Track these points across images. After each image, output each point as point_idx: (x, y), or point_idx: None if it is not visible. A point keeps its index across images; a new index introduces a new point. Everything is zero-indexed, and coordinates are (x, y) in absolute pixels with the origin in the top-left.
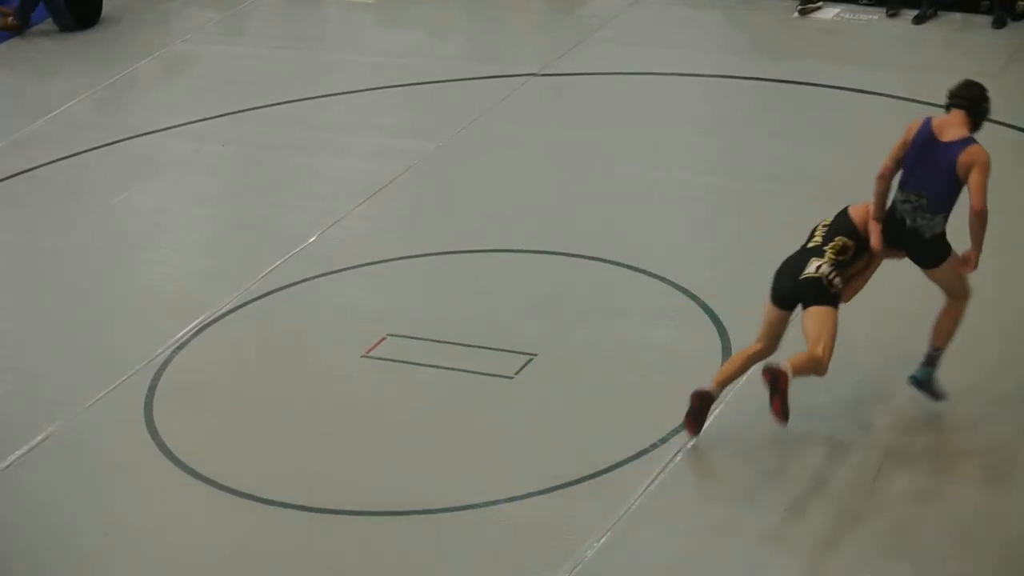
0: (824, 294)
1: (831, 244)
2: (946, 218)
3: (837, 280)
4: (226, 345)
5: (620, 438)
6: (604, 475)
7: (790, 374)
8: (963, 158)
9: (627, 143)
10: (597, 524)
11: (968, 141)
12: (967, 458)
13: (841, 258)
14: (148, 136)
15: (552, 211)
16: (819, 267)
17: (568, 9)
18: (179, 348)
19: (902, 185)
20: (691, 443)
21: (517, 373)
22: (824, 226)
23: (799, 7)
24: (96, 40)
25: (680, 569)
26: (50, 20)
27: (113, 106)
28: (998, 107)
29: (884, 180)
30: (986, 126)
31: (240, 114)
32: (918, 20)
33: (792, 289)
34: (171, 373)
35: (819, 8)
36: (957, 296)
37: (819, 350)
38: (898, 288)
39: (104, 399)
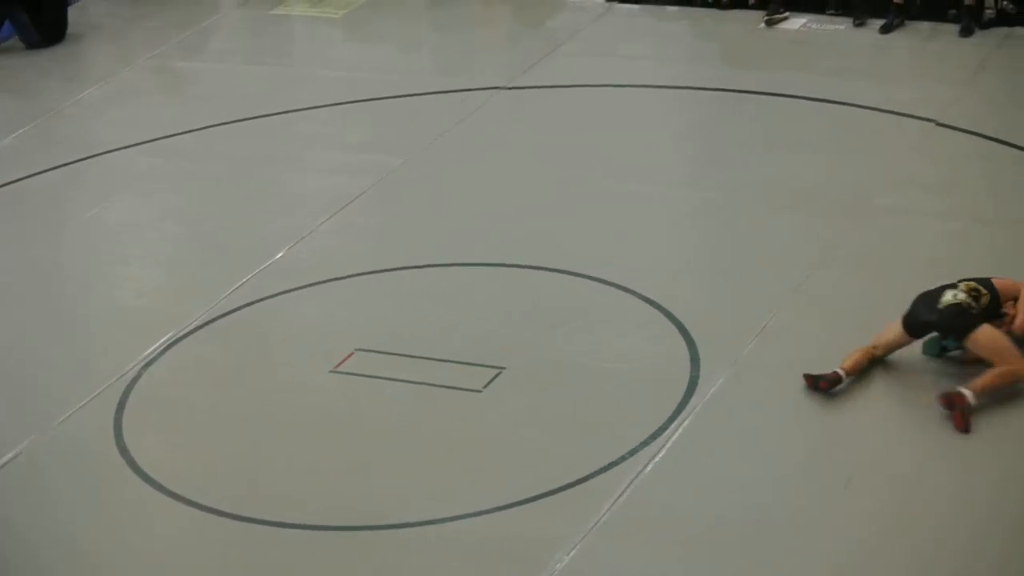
0: (968, 316)
1: (964, 282)
2: None
3: (975, 306)
4: (195, 361)
5: (590, 450)
6: (574, 487)
7: (968, 395)
8: None
9: (595, 155)
10: (568, 537)
11: None
12: None
13: (974, 294)
14: (116, 152)
15: (520, 224)
16: (956, 295)
17: (535, 23)
18: (148, 364)
19: None
20: (661, 454)
21: (486, 387)
22: (961, 279)
23: (766, 18)
24: (62, 57)
25: None
26: (16, 37)
27: (81, 123)
28: (967, 115)
29: None
30: (955, 135)
31: (208, 130)
32: (885, 29)
33: (929, 321)
34: (140, 389)
35: (786, 19)
36: None
37: (1007, 362)
38: None
39: (74, 416)
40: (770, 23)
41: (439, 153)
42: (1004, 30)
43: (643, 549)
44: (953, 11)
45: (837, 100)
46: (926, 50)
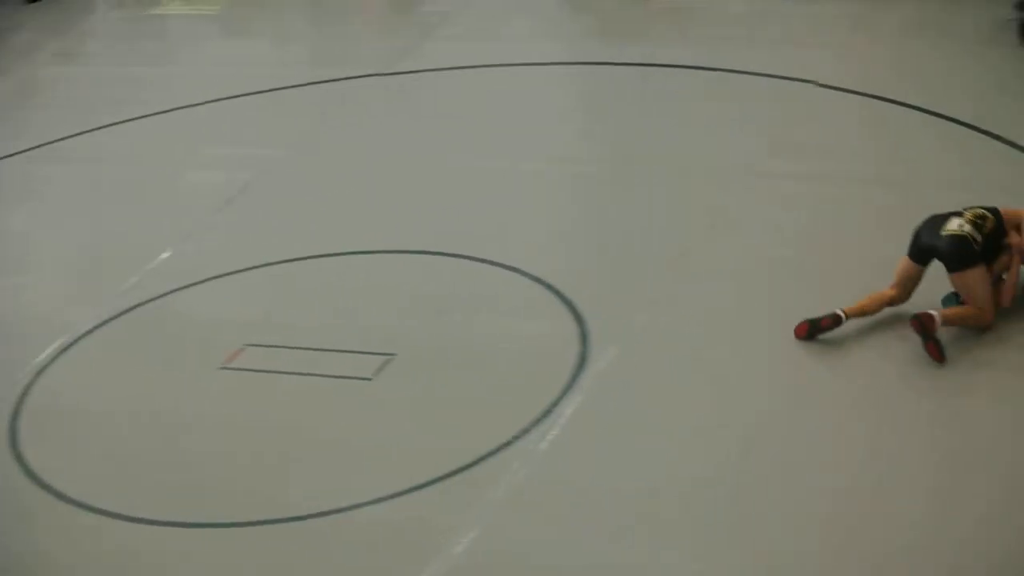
0: (969, 252)
1: (970, 209)
2: None
3: (979, 240)
4: (87, 365)
5: (484, 431)
6: (471, 468)
7: (938, 318)
8: None
9: (476, 137)
10: (466, 518)
11: None
12: None
13: (979, 223)
14: (1, 160)
15: (404, 210)
16: (961, 225)
17: (408, 9)
18: (41, 371)
19: None
20: (554, 433)
21: (376, 374)
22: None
23: None
24: None
25: (551, 558)
26: None
27: None
28: (847, 75)
29: None
30: (835, 95)
31: (89, 133)
32: None
33: (932, 245)
34: (34, 397)
35: None
36: None
37: (977, 304)
38: None
39: None
40: None
41: (320, 143)
42: None
43: (541, 526)
44: None
45: (716, 67)
46: (803, 12)
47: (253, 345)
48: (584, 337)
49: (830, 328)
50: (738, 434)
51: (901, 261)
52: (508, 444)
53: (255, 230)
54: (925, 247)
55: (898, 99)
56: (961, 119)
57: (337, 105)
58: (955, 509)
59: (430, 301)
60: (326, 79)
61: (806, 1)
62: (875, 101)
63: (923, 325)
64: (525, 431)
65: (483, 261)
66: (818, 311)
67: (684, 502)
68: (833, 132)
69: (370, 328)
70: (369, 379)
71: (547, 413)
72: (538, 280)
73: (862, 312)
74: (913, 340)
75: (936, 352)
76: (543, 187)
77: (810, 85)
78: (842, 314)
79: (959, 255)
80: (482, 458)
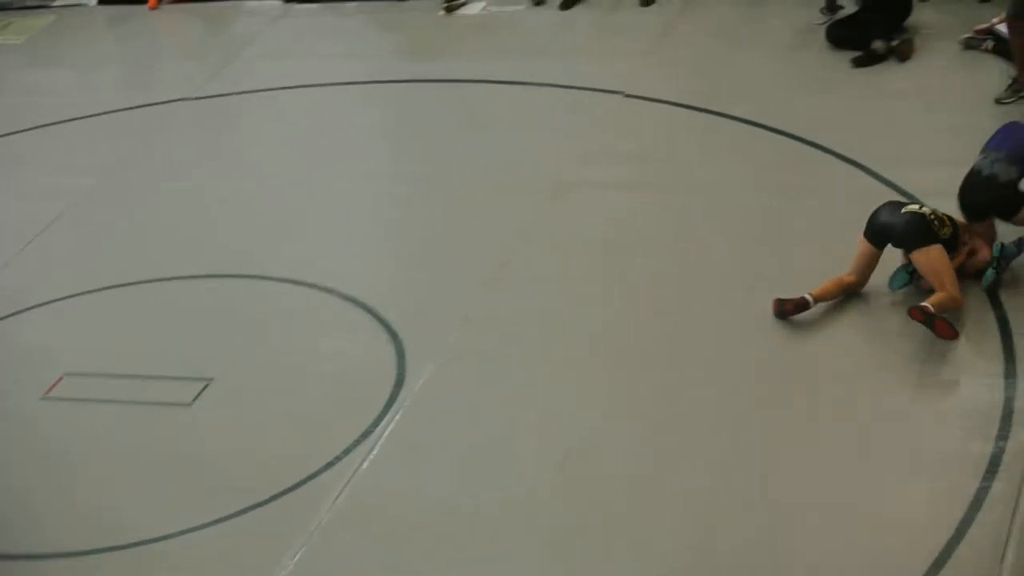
0: (928, 231)
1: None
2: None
3: (937, 223)
4: None
5: (305, 453)
6: (293, 491)
7: (932, 308)
8: None
9: (288, 157)
10: (291, 541)
11: None
12: None
13: (938, 220)
14: None
15: (219, 234)
16: (922, 207)
17: (216, 31)
18: None
19: (982, 153)
20: (376, 451)
21: (195, 399)
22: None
23: (444, 5)
24: None
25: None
26: None
27: None
28: (654, 85)
29: None
30: (643, 104)
31: None
32: (564, 6)
33: (890, 224)
34: None
35: (464, 4)
36: None
37: (947, 289)
38: None
39: None
40: (449, 10)
41: (132, 169)
42: None
43: (365, 546)
44: None
45: (524, 81)
46: (608, 23)
47: (72, 374)
48: (400, 356)
49: (795, 313)
50: (556, 450)
51: (859, 244)
52: (329, 465)
53: (71, 259)
54: (882, 225)
55: (706, 107)
56: (769, 124)
57: (148, 131)
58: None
59: (246, 324)
60: (136, 104)
61: (613, 12)
62: (682, 109)
63: (924, 312)
64: (346, 451)
65: (298, 283)
66: (637, 319)
67: (505, 519)
68: (642, 141)
69: (187, 353)
70: (188, 405)
71: (367, 433)
72: (353, 300)
73: (824, 296)
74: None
75: (948, 329)
76: (356, 206)
77: (618, 96)
78: (810, 298)
79: (921, 231)
80: (304, 480)
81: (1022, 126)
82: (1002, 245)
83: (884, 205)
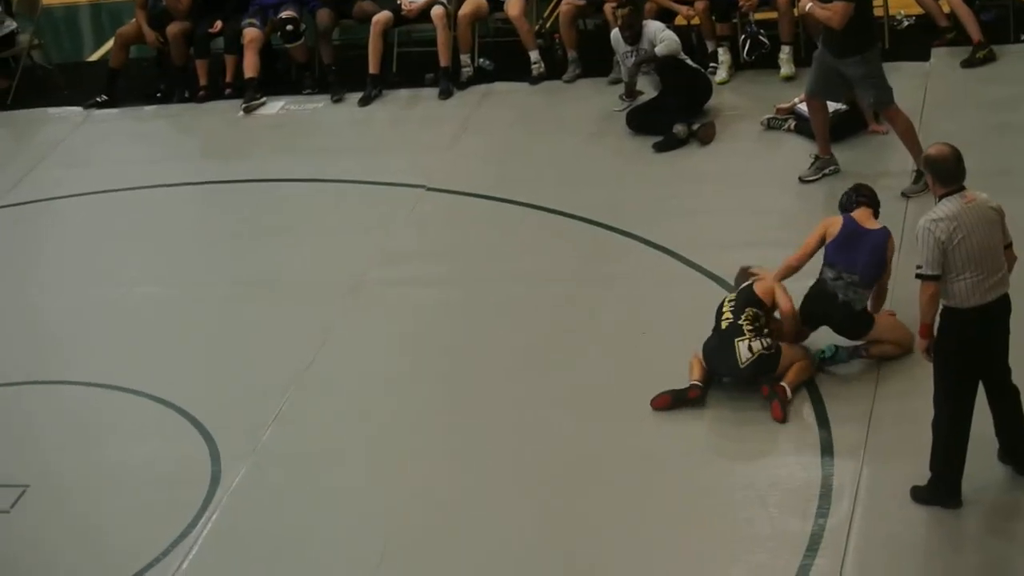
0: (773, 363)
1: (743, 315)
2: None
3: (770, 344)
4: None
5: (123, 557)
6: None
7: (788, 390)
8: (889, 243)
9: (89, 264)
10: None
11: (887, 230)
12: None
13: (758, 325)
14: None
15: (25, 340)
16: (750, 346)
17: (17, 137)
18: None
19: (831, 265)
20: (195, 551)
21: (13, 506)
22: (730, 302)
23: (243, 105)
24: None
25: None
26: None
27: None
28: (454, 177)
29: (795, 269)
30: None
31: None
32: (364, 102)
33: (733, 374)
34: None
35: (263, 103)
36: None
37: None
38: None
39: None
40: (248, 110)
41: None
42: (483, 87)
43: None
44: (430, 75)
45: (325, 178)
46: (408, 117)
47: None
48: (214, 455)
49: (699, 398)
50: (372, 551)
51: (695, 365)
52: (149, 567)
53: None
54: (723, 374)
55: (508, 197)
56: (573, 212)
57: None
58: None
59: (60, 429)
60: None
61: (413, 106)
62: (485, 201)
63: (780, 394)
64: (165, 553)
65: (109, 387)
66: (442, 414)
67: None
68: (444, 234)
69: (3, 460)
70: (7, 512)
71: (184, 534)
72: (165, 402)
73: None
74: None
75: (781, 412)
76: (160, 310)
77: (420, 189)
78: (699, 384)
79: (769, 369)
80: None
81: (871, 239)
82: (836, 348)
83: (711, 352)
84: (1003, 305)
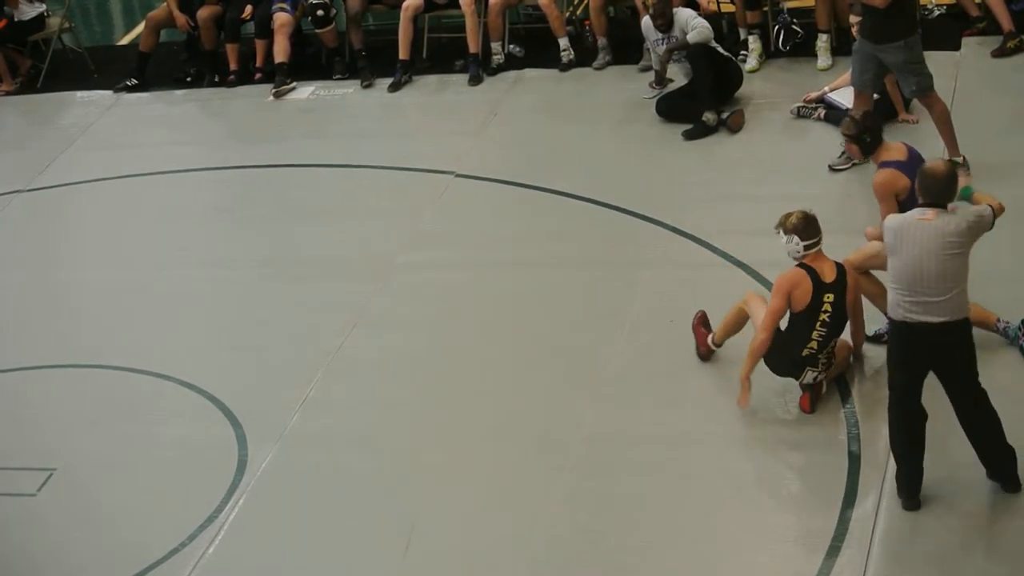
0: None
1: (826, 351)
2: None
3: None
4: None
5: (149, 540)
6: None
7: (824, 385)
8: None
9: (118, 248)
10: None
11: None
12: None
13: (829, 360)
14: None
15: (56, 324)
16: (816, 377)
17: (47, 120)
18: None
19: None
20: (220, 536)
21: (39, 489)
22: (821, 326)
23: (273, 90)
24: None
25: None
26: None
27: None
28: (483, 163)
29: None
30: (473, 184)
31: None
32: (393, 88)
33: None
34: None
35: (293, 88)
36: None
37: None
38: None
39: None
40: (278, 95)
41: None
42: (513, 74)
43: None
44: (460, 61)
45: (354, 164)
46: (438, 103)
47: None
48: (241, 440)
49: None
50: (402, 527)
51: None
52: (174, 552)
53: None
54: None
55: (537, 183)
56: (601, 199)
57: None
58: None
59: (87, 413)
60: None
61: (442, 92)
62: (514, 187)
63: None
64: (191, 538)
65: (136, 371)
66: (472, 398)
67: None
68: (474, 220)
69: (29, 443)
70: (34, 495)
71: (210, 519)
72: (192, 386)
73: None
74: None
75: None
76: (190, 293)
77: (449, 175)
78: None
79: None
80: (148, 568)
81: None
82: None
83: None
84: (938, 331)
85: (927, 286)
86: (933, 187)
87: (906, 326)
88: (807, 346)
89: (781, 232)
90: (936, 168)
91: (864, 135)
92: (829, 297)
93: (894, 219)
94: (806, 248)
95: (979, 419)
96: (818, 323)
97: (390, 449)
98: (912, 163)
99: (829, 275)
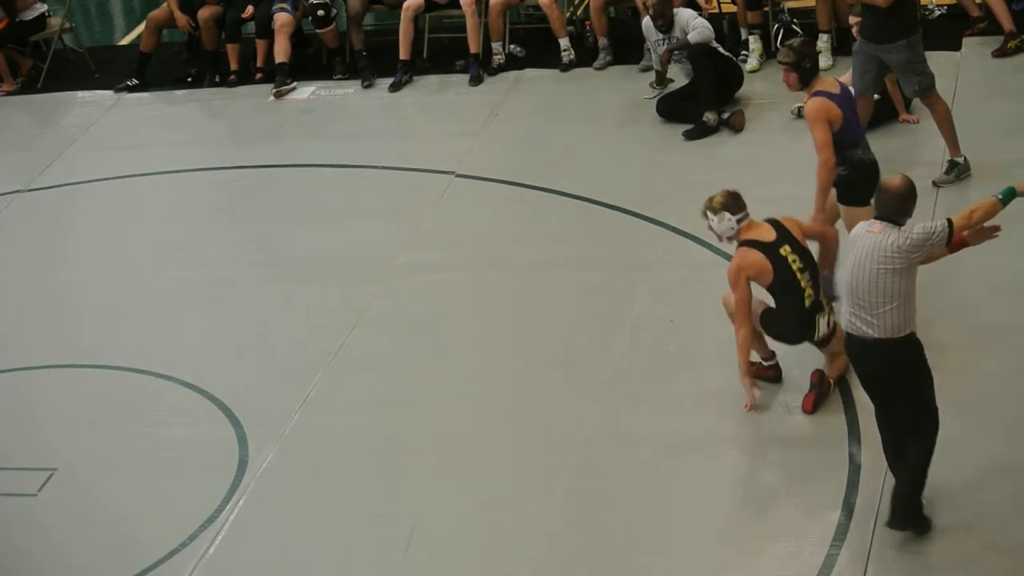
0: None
1: (821, 292)
2: None
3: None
4: None
5: (150, 540)
6: None
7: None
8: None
9: (118, 248)
10: None
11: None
12: None
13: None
14: None
15: (57, 324)
16: (829, 321)
17: (47, 120)
18: None
19: (856, 143)
20: (221, 536)
21: (40, 490)
22: (801, 271)
23: (274, 90)
24: None
25: None
26: None
27: None
28: (484, 163)
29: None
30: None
31: None
32: (394, 88)
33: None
34: None
35: (293, 88)
36: None
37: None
38: None
39: None
40: (278, 95)
41: None
42: (513, 74)
43: None
44: (460, 61)
45: (354, 164)
46: (438, 103)
47: None
48: (242, 441)
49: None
50: (401, 530)
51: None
52: (175, 552)
53: None
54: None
55: (537, 184)
56: (601, 200)
57: None
58: None
59: (87, 413)
60: None
61: (442, 92)
62: (514, 187)
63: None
64: (192, 538)
65: (137, 371)
66: (472, 399)
67: None
68: (474, 220)
69: (28, 443)
70: (34, 495)
71: (211, 519)
72: (192, 386)
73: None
74: None
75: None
76: (190, 294)
77: (450, 176)
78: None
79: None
80: (149, 568)
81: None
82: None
83: (790, 327)
84: (870, 345)
85: (860, 298)
86: (887, 202)
87: (847, 336)
88: (804, 296)
89: (710, 215)
90: (892, 183)
91: (803, 61)
92: (785, 249)
93: (857, 228)
94: (739, 221)
95: (908, 450)
96: (797, 275)
97: (390, 449)
98: (844, 96)
99: (769, 235)
